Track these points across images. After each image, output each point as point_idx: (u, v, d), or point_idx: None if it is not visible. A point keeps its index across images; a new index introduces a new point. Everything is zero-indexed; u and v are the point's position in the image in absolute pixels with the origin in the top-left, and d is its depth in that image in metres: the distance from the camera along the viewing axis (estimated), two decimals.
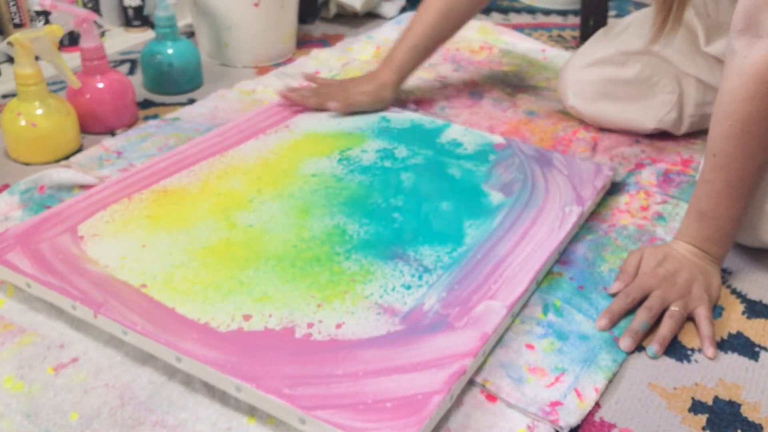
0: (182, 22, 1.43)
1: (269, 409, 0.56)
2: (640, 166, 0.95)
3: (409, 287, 0.68)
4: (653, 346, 0.66)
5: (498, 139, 0.96)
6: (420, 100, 1.11)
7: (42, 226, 0.74)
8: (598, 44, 1.00)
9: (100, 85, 1.00)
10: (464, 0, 0.99)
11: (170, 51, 1.11)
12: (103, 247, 0.71)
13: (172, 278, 0.68)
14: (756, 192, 0.72)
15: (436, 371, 0.58)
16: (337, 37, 1.39)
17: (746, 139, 0.68)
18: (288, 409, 0.55)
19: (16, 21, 1.19)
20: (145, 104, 1.11)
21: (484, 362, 0.63)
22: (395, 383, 0.57)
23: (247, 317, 0.63)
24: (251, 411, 0.58)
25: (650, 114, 0.98)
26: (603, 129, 1.03)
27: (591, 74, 0.99)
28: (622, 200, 0.88)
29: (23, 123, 0.91)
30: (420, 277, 0.69)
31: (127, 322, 0.62)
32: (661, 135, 1.02)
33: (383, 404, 0.55)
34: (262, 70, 1.24)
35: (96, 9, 1.29)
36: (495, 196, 0.82)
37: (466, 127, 0.98)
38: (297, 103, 1.02)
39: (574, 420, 0.58)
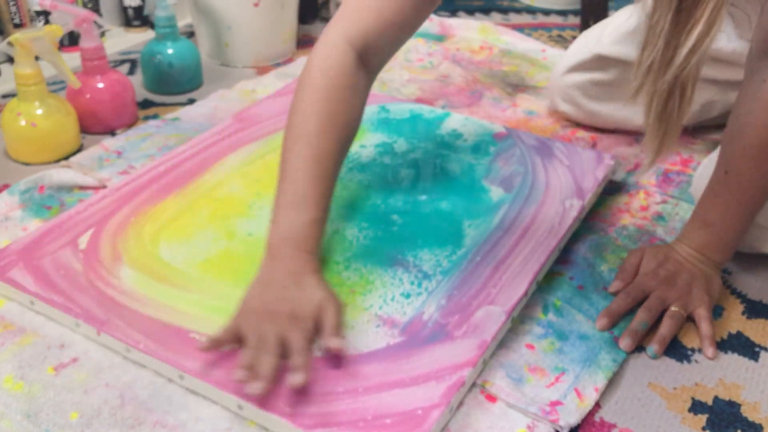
0: (182, 22, 1.43)
1: (271, 427, 0.56)
2: (639, 165, 0.95)
3: (408, 296, 0.68)
4: (653, 346, 0.66)
5: (498, 128, 0.95)
6: (420, 100, 1.11)
7: (43, 239, 0.73)
8: (577, 47, 1.00)
9: (100, 85, 1.00)
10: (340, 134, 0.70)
11: (170, 51, 1.11)
12: (104, 262, 0.71)
13: (173, 295, 0.67)
14: (763, 206, 0.72)
15: (436, 384, 0.58)
16: None
17: (761, 161, 0.68)
18: (289, 427, 0.55)
19: (16, 21, 1.19)
20: (145, 104, 1.11)
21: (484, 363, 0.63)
22: (395, 398, 0.57)
23: None
24: None
25: (640, 111, 0.98)
26: (601, 129, 1.03)
27: (574, 79, 0.99)
28: (622, 200, 0.88)
29: (23, 123, 0.91)
30: (419, 284, 0.69)
31: (130, 341, 0.62)
32: None
33: (383, 420, 0.55)
34: (262, 70, 1.24)
35: (96, 9, 1.29)
36: (495, 192, 0.82)
37: (466, 117, 0.98)
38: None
39: (574, 420, 0.58)
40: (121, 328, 0.63)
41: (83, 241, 0.73)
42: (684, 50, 0.57)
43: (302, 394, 0.57)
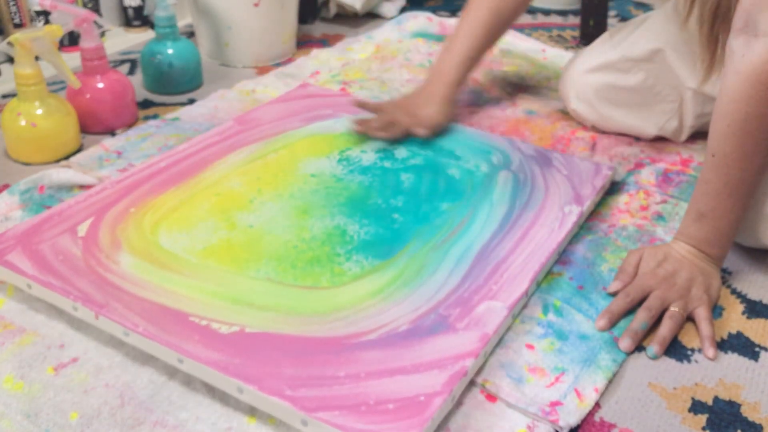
0: (182, 22, 1.43)
1: (271, 411, 0.56)
2: (639, 165, 0.95)
3: (410, 288, 0.68)
4: (653, 346, 0.66)
5: (498, 137, 0.96)
6: None
7: (42, 226, 0.73)
8: (603, 48, 0.99)
9: (100, 85, 1.00)
10: (508, 6, 0.98)
11: (170, 51, 1.11)
12: (103, 248, 0.71)
13: (173, 280, 0.68)
14: (755, 192, 0.72)
15: (438, 372, 0.58)
16: (337, 37, 1.39)
17: (744, 139, 0.68)
18: (290, 410, 0.55)
19: (16, 21, 1.19)
20: (145, 104, 1.11)
21: (485, 362, 0.63)
22: (397, 384, 0.57)
23: (248, 319, 0.63)
24: (251, 411, 0.58)
25: (651, 121, 0.98)
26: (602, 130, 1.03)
27: (594, 79, 0.98)
28: (622, 200, 0.88)
29: (23, 123, 0.91)
30: (421, 278, 0.69)
31: (129, 324, 0.62)
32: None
33: (385, 406, 0.55)
34: (262, 70, 1.24)
35: (96, 9, 1.29)
36: (493, 197, 0.82)
37: (465, 126, 0.98)
38: (373, 136, 0.93)
39: (574, 420, 0.58)
40: (119, 311, 0.63)
41: (82, 229, 0.73)
42: None
43: (303, 377, 0.57)
